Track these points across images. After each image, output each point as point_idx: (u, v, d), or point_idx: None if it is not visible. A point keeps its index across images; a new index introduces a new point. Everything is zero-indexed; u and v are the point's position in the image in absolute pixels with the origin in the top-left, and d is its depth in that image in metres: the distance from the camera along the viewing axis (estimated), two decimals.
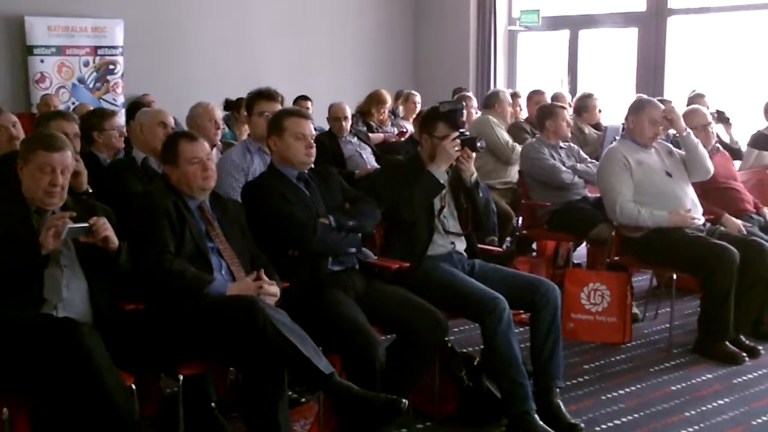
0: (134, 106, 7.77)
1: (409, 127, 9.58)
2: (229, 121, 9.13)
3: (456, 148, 4.68)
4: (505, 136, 7.99)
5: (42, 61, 10.74)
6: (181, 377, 3.73)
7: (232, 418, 4.46)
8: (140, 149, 5.26)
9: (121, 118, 5.79)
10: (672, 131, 6.30)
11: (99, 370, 3.32)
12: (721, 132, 7.70)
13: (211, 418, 4.38)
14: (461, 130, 4.76)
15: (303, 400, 4.62)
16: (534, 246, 7.98)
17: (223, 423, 4.36)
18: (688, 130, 5.93)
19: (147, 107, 6.50)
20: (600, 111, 8.86)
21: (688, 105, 7.77)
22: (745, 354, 5.59)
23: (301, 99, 9.76)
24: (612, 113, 9.75)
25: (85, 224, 3.64)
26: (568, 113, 7.34)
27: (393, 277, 4.57)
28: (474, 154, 4.78)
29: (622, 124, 8.64)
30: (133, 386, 3.59)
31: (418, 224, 4.71)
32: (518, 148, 7.62)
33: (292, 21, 12.50)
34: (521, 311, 5.13)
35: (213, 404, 4.42)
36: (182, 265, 3.87)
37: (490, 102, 8.48)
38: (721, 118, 7.71)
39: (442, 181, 4.69)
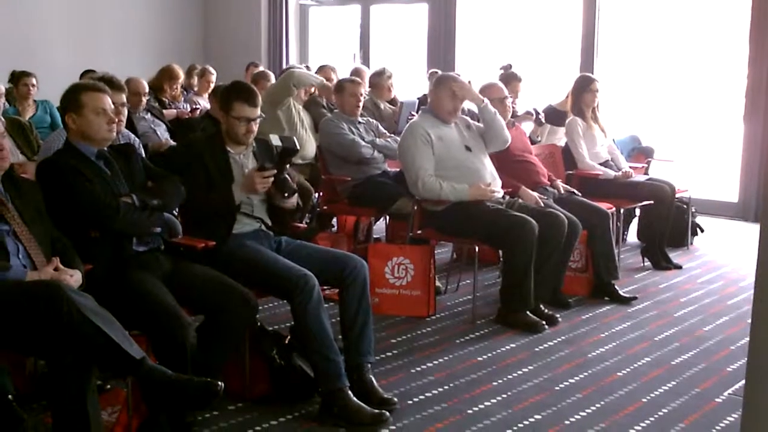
0: None
1: (203, 102, 9.38)
2: (10, 96, 8.67)
3: (264, 185, 4.59)
4: None
5: None
6: None
7: (33, 410, 4.23)
8: None
9: None
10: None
11: None
12: (530, 129, 7.91)
13: (9, 411, 4.11)
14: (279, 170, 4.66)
15: (108, 386, 4.43)
16: (334, 221, 7.98)
17: (23, 416, 4.12)
18: (486, 100, 6.03)
19: None
20: (390, 88, 8.90)
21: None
22: (544, 322, 5.75)
23: (88, 73, 9.35)
24: (406, 88, 9.83)
25: None
26: (363, 89, 7.34)
27: (199, 256, 4.44)
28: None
29: (418, 99, 8.77)
30: None
31: None
32: None
33: None
34: (327, 287, 5.08)
35: (10, 396, 4.18)
36: None
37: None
38: (536, 118, 7.93)
39: (237, 203, 4.60)
